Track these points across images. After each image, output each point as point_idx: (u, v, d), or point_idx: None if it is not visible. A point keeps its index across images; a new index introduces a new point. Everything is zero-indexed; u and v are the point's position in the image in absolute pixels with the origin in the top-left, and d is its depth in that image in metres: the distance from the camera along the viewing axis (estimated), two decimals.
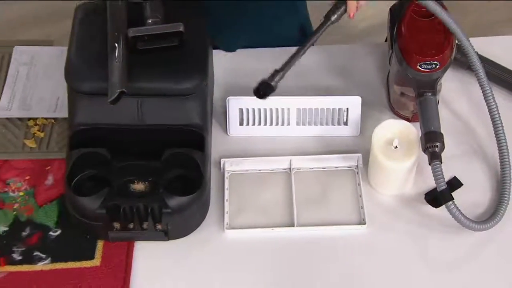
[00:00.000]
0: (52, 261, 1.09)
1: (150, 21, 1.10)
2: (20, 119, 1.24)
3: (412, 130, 1.12)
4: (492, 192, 1.16)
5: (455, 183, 1.15)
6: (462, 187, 1.15)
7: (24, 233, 1.12)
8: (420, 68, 1.13)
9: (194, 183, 1.10)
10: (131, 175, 1.11)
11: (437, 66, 1.13)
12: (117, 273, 1.08)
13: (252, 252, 1.10)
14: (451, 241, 1.11)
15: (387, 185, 1.15)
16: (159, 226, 1.09)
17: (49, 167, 1.19)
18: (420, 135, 1.12)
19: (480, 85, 1.15)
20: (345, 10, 1.10)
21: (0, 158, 1.20)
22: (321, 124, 1.22)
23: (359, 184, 1.16)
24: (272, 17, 1.36)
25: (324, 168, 1.19)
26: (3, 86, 1.27)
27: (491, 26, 2.37)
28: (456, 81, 1.27)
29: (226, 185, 1.17)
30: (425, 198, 1.13)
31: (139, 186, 1.10)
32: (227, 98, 1.20)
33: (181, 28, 1.09)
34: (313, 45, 1.11)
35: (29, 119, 1.24)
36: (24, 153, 1.20)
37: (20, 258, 1.09)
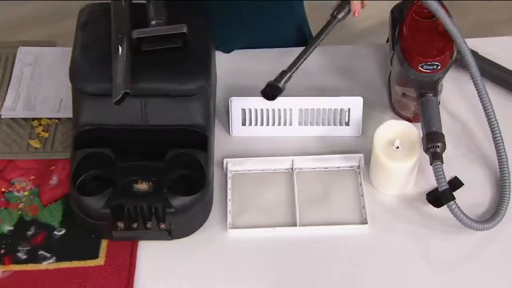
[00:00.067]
0: (57, 260, 1.10)
1: (153, 23, 1.11)
2: (24, 119, 1.24)
3: (413, 131, 1.13)
4: (492, 191, 1.16)
5: (456, 183, 1.16)
6: (463, 187, 1.15)
7: (29, 233, 1.12)
8: (422, 69, 1.14)
9: (197, 183, 1.11)
10: (135, 175, 1.11)
11: (439, 67, 1.13)
12: (121, 272, 1.08)
13: (254, 252, 1.11)
14: (452, 241, 1.11)
15: (389, 185, 1.16)
16: (162, 226, 1.09)
17: (53, 167, 1.19)
18: (421, 135, 1.12)
19: (476, 90, 1.15)
20: (350, 10, 1.10)
21: (5, 158, 1.20)
22: (323, 124, 1.22)
23: (360, 184, 1.17)
24: (269, 17, 1.36)
25: (326, 168, 1.19)
26: (8, 87, 1.28)
27: (491, 26, 2.38)
28: (457, 82, 1.28)
29: (229, 185, 1.17)
30: (426, 198, 1.14)
31: (143, 186, 1.11)
32: (230, 99, 1.21)
33: (185, 30, 1.10)
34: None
35: (33, 119, 1.24)
36: (28, 153, 1.21)
37: (25, 257, 1.10)
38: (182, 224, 1.10)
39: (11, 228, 1.13)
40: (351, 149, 1.21)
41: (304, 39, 1.42)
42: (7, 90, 1.28)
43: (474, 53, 1.29)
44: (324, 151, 1.21)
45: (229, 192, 1.16)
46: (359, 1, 1.09)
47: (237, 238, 1.12)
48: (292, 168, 1.19)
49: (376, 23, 2.37)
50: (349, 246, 1.11)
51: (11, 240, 1.12)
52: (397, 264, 1.10)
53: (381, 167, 1.13)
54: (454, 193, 1.09)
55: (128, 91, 1.05)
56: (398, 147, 1.12)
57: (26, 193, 1.17)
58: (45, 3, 2.47)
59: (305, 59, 1.12)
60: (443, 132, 1.12)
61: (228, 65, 1.30)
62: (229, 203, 1.15)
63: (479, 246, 1.11)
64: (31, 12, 2.46)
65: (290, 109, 1.21)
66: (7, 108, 1.25)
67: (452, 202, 1.08)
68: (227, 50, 1.33)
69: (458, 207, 1.08)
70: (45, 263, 1.10)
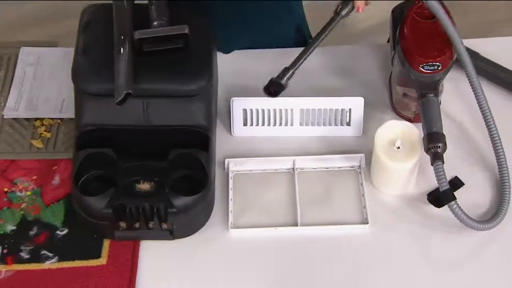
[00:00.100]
0: (59, 260, 1.10)
1: (155, 23, 1.11)
2: (27, 119, 1.25)
3: (414, 131, 1.13)
4: (493, 191, 1.17)
5: (456, 183, 1.16)
6: (463, 187, 1.16)
7: (31, 232, 1.13)
8: (422, 70, 1.14)
9: (199, 183, 1.11)
10: (137, 175, 1.11)
11: (439, 68, 1.14)
12: (123, 271, 1.09)
13: (256, 251, 1.11)
14: (453, 241, 1.11)
15: (390, 185, 1.16)
16: (164, 226, 1.10)
17: (55, 167, 1.20)
18: (422, 135, 1.13)
19: (473, 90, 1.15)
20: (353, 7, 1.10)
21: (8, 158, 1.21)
22: (324, 124, 1.23)
23: (361, 184, 1.17)
24: (268, 17, 1.36)
25: (327, 168, 1.20)
26: (10, 87, 1.28)
27: (491, 26, 2.38)
28: (457, 82, 1.28)
29: (230, 185, 1.18)
30: (427, 198, 1.15)
31: (144, 186, 1.11)
32: (231, 99, 1.21)
33: (186, 30, 1.10)
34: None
35: (35, 119, 1.25)
36: (31, 153, 1.21)
37: (28, 257, 1.10)
38: (184, 224, 1.11)
39: (14, 228, 1.13)
40: (352, 149, 1.21)
41: (303, 39, 1.42)
42: (9, 91, 1.28)
43: (475, 54, 1.30)
44: (325, 151, 1.21)
45: (230, 192, 1.17)
46: None
47: (239, 238, 1.13)
48: (293, 168, 1.19)
49: (377, 23, 2.37)
50: (350, 246, 1.12)
51: (13, 239, 1.12)
52: (398, 264, 1.10)
53: (382, 167, 1.14)
54: (455, 193, 1.09)
55: (130, 91, 1.05)
56: (399, 147, 1.13)
57: (28, 193, 1.17)
58: (45, 3, 2.47)
59: (307, 56, 1.12)
60: (444, 132, 1.12)
61: (228, 65, 1.30)
62: (230, 203, 1.16)
63: (480, 246, 1.11)
64: (31, 12, 2.47)
65: (291, 109, 1.22)
66: (10, 108, 1.26)
67: (453, 202, 1.08)
68: (227, 50, 1.34)
69: (459, 207, 1.08)
70: (47, 262, 1.10)
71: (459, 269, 1.10)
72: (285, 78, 1.10)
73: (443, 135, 1.11)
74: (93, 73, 1.11)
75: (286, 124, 1.23)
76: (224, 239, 1.13)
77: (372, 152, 1.15)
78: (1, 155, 1.21)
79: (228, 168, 1.19)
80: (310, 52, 1.12)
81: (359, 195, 1.16)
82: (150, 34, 1.09)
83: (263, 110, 1.22)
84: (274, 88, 1.10)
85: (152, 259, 1.11)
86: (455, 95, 1.27)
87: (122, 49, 1.08)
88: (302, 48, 1.15)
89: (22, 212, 1.15)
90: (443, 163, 1.09)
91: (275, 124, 1.23)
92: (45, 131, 1.23)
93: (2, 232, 1.13)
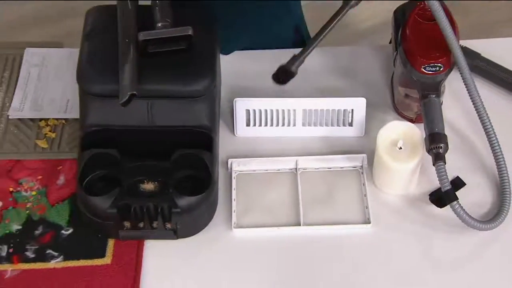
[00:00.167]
0: (65, 259, 1.11)
1: (159, 25, 1.11)
2: (31, 119, 1.25)
3: (416, 132, 1.14)
4: (494, 191, 1.17)
5: (458, 183, 1.16)
6: (465, 187, 1.16)
7: (37, 232, 1.13)
8: (424, 71, 1.14)
9: (203, 183, 1.12)
10: (141, 175, 1.12)
11: (441, 69, 1.14)
12: (127, 271, 1.10)
13: (259, 251, 1.12)
14: (455, 241, 1.12)
15: (392, 185, 1.17)
16: (168, 225, 1.10)
17: (60, 167, 1.20)
18: (424, 136, 1.13)
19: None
20: None
21: (13, 158, 1.21)
22: (327, 125, 1.23)
23: (364, 184, 1.18)
24: (267, 18, 1.37)
25: (330, 168, 1.20)
26: (15, 87, 1.29)
27: (492, 26, 2.38)
28: (457, 81, 1.28)
29: (234, 185, 1.18)
30: (429, 198, 1.15)
31: (149, 186, 1.12)
32: (234, 100, 1.22)
33: (190, 32, 1.10)
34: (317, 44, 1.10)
35: (40, 119, 1.25)
36: (36, 153, 1.22)
37: (33, 256, 1.11)
38: (187, 223, 1.12)
39: (19, 227, 1.14)
40: (354, 150, 1.22)
41: (302, 40, 1.42)
42: (14, 91, 1.29)
43: (475, 54, 1.31)
44: (327, 151, 1.22)
45: (233, 192, 1.18)
46: None
47: (242, 238, 1.14)
48: (296, 168, 1.20)
49: (378, 23, 2.38)
50: (353, 245, 1.13)
51: (19, 239, 1.13)
52: (400, 264, 1.11)
53: (384, 167, 1.14)
54: (457, 193, 1.10)
55: (135, 92, 1.06)
56: (401, 148, 1.13)
57: (33, 192, 1.18)
58: (45, 3, 2.48)
59: (316, 45, 1.10)
60: (445, 132, 1.13)
61: (229, 66, 1.30)
62: (234, 203, 1.16)
63: (482, 246, 1.12)
64: (31, 12, 2.47)
65: (294, 110, 1.22)
66: (15, 109, 1.26)
67: (455, 202, 1.09)
68: (226, 51, 1.34)
69: (461, 207, 1.09)
70: (53, 262, 1.11)
71: (461, 269, 1.10)
72: (295, 65, 1.08)
73: (445, 136, 1.12)
74: (98, 74, 1.11)
75: (288, 125, 1.24)
76: (227, 239, 1.13)
77: (374, 152, 1.16)
78: (6, 155, 1.22)
79: (231, 168, 1.20)
80: (319, 41, 1.10)
81: (361, 195, 1.17)
82: (155, 36, 1.10)
83: (266, 111, 1.22)
84: (283, 76, 1.08)
85: (156, 259, 1.11)
86: (456, 95, 1.27)
87: (126, 50, 1.09)
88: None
89: (27, 211, 1.16)
90: (445, 163, 1.10)
91: (278, 125, 1.24)
92: (50, 131, 1.24)
93: (8, 231, 1.14)
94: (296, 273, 1.10)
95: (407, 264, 1.11)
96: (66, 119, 1.25)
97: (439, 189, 1.11)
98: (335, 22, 1.11)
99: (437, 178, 1.10)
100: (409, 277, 1.10)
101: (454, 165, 1.17)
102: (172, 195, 1.09)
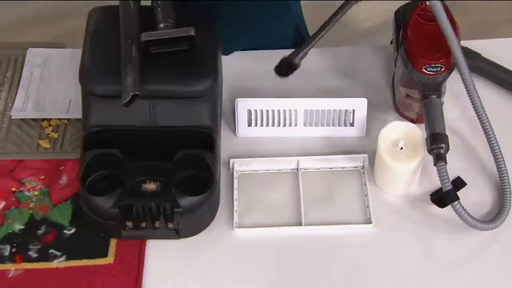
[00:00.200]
0: (67, 259, 1.11)
1: (162, 26, 1.12)
2: (34, 120, 1.26)
3: (417, 132, 1.14)
4: (494, 192, 1.17)
5: (459, 183, 1.17)
6: (466, 187, 1.17)
7: (39, 232, 1.14)
8: (426, 71, 1.15)
9: (205, 183, 1.12)
10: (143, 175, 1.12)
11: (442, 69, 1.15)
12: (129, 270, 1.10)
13: (261, 251, 1.12)
14: (456, 241, 1.12)
15: (393, 185, 1.17)
16: (170, 225, 1.11)
17: (63, 167, 1.21)
18: (425, 136, 1.14)
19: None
20: None
21: (15, 158, 1.22)
22: (328, 125, 1.24)
23: (365, 184, 1.18)
24: (267, 18, 1.37)
25: (331, 168, 1.21)
26: (18, 88, 1.29)
27: (493, 26, 2.39)
28: (459, 83, 1.29)
29: (235, 185, 1.19)
30: (430, 198, 1.15)
31: (151, 186, 1.12)
32: (236, 100, 1.22)
33: (192, 33, 1.11)
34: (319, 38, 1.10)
35: (43, 120, 1.26)
36: (38, 153, 1.22)
37: (36, 255, 1.11)
38: (189, 223, 1.12)
39: (22, 227, 1.15)
40: (355, 150, 1.22)
41: (302, 40, 1.42)
42: (17, 91, 1.29)
43: (476, 54, 1.31)
44: (329, 151, 1.22)
45: (235, 192, 1.18)
46: None
47: (244, 237, 1.14)
48: (297, 168, 1.20)
49: (378, 22, 2.38)
50: (354, 245, 1.13)
51: (22, 239, 1.13)
52: (401, 264, 1.11)
53: (386, 167, 1.15)
54: (457, 193, 1.10)
55: (137, 93, 1.06)
56: (402, 148, 1.14)
57: (36, 192, 1.18)
58: (45, 3, 2.48)
59: (321, 37, 1.10)
60: (446, 132, 1.13)
61: (230, 66, 1.31)
62: (235, 203, 1.17)
63: (482, 246, 1.12)
64: (31, 12, 2.47)
65: (296, 110, 1.23)
66: (17, 109, 1.27)
67: (456, 202, 1.09)
68: (227, 52, 1.34)
69: (463, 207, 1.09)
70: (55, 261, 1.11)
71: (462, 269, 1.11)
72: (298, 57, 1.07)
73: (446, 136, 1.12)
74: (101, 75, 1.12)
75: (290, 125, 1.24)
76: (229, 239, 1.14)
77: (376, 152, 1.16)
78: (9, 155, 1.22)
79: (233, 168, 1.20)
80: (323, 35, 1.10)
81: (362, 195, 1.18)
82: (157, 36, 1.10)
83: (267, 111, 1.23)
84: (285, 68, 1.06)
85: (158, 258, 1.12)
86: (456, 96, 1.27)
87: (129, 51, 1.09)
88: None
89: (30, 211, 1.16)
90: (446, 163, 1.10)
91: (279, 125, 1.24)
92: (52, 131, 1.25)
93: (10, 231, 1.14)
94: (297, 273, 1.10)
95: (408, 264, 1.11)
96: (68, 119, 1.26)
97: (440, 189, 1.11)
98: (338, 16, 1.10)
99: (438, 178, 1.10)
100: (410, 277, 1.10)
101: (455, 165, 1.17)
102: (174, 195, 1.09)
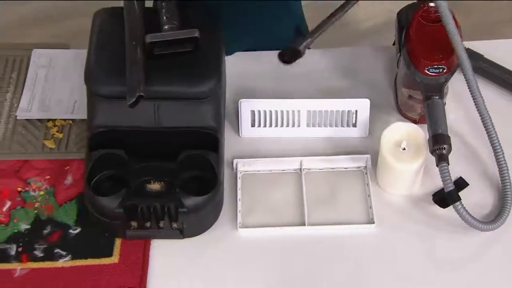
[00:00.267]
0: (73, 258, 1.12)
1: (166, 27, 1.13)
2: (39, 120, 1.26)
3: (419, 133, 1.15)
4: (495, 193, 1.18)
5: (461, 183, 1.17)
6: (468, 187, 1.17)
7: (45, 231, 1.14)
8: (428, 72, 1.15)
9: (209, 184, 1.13)
10: (148, 175, 1.13)
11: (445, 70, 1.15)
12: (134, 270, 1.11)
13: (264, 251, 1.13)
14: (458, 241, 1.13)
15: (395, 186, 1.18)
16: (175, 225, 1.11)
17: (68, 167, 1.21)
18: (427, 137, 1.14)
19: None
20: None
21: (21, 159, 1.22)
22: (331, 125, 1.24)
23: (367, 185, 1.19)
24: (268, 18, 1.37)
25: (334, 168, 1.21)
26: (23, 88, 1.30)
27: (494, 26, 2.39)
28: (460, 82, 1.29)
29: (239, 185, 1.19)
30: (432, 198, 1.16)
31: (155, 186, 1.13)
32: (239, 101, 1.23)
33: (197, 34, 1.11)
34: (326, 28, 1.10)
35: (48, 120, 1.26)
36: (43, 154, 1.23)
37: (41, 255, 1.12)
38: (193, 223, 1.13)
39: (28, 226, 1.15)
40: (358, 150, 1.23)
41: None
42: (22, 92, 1.30)
43: (478, 55, 1.32)
44: (331, 152, 1.23)
45: (239, 192, 1.18)
46: None
47: (247, 237, 1.15)
48: (300, 169, 1.21)
49: (379, 22, 2.39)
50: (357, 245, 1.14)
51: (28, 238, 1.14)
52: (403, 264, 1.12)
53: (388, 168, 1.15)
54: (459, 194, 1.10)
55: (142, 94, 1.06)
56: (404, 149, 1.14)
57: (41, 192, 1.19)
58: (45, 3, 2.48)
59: (326, 28, 1.10)
60: (448, 133, 1.14)
61: (232, 67, 1.31)
62: (239, 203, 1.17)
63: (484, 246, 1.13)
64: (31, 12, 2.48)
65: (299, 111, 1.23)
66: (22, 109, 1.27)
67: (458, 202, 1.10)
68: (228, 53, 1.33)
69: (464, 208, 1.10)
70: (61, 260, 1.12)
71: (463, 269, 1.11)
72: (303, 45, 1.07)
73: (448, 137, 1.13)
74: (106, 76, 1.12)
75: (293, 125, 1.24)
76: (233, 239, 1.14)
77: (378, 153, 1.17)
78: (15, 156, 1.23)
79: (236, 169, 1.21)
80: (328, 26, 1.10)
81: (365, 195, 1.18)
82: (161, 38, 1.11)
83: (270, 112, 1.23)
84: (289, 54, 1.06)
85: (163, 258, 1.12)
86: (459, 97, 1.28)
87: (133, 52, 1.10)
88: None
89: (35, 211, 1.17)
90: (448, 164, 1.10)
91: (282, 125, 1.25)
92: (57, 131, 1.25)
93: (16, 231, 1.15)
94: (300, 272, 1.11)
95: (410, 264, 1.12)
96: (73, 120, 1.26)
97: (442, 189, 1.12)
98: (346, 9, 1.10)
99: (440, 179, 1.11)
100: (412, 277, 1.10)
101: (457, 166, 1.18)
102: (178, 195, 1.10)
